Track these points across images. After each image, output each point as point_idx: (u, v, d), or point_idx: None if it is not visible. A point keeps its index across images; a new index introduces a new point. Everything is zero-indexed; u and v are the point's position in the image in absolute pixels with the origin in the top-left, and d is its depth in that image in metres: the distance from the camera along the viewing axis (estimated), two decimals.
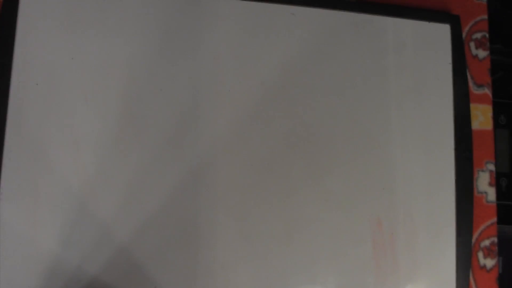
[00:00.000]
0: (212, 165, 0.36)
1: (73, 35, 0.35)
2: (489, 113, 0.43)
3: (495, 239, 0.41)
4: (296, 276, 0.36)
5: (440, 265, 0.38)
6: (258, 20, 0.38)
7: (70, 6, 0.36)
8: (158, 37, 0.37)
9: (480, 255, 0.41)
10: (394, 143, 0.39)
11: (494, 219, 0.41)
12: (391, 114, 0.40)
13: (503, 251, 0.44)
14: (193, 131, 0.36)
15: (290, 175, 0.37)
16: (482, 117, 0.43)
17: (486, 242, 0.41)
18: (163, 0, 0.37)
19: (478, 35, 0.44)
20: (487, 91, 0.43)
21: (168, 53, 0.37)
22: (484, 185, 0.42)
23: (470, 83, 0.43)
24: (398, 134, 0.39)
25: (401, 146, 0.39)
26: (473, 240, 0.40)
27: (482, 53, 0.43)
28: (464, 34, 0.43)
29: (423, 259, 0.38)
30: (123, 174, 0.35)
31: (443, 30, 0.42)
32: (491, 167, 0.42)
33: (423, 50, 0.41)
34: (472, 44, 0.43)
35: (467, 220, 0.40)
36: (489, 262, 0.41)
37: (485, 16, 0.44)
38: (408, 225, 0.38)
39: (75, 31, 0.35)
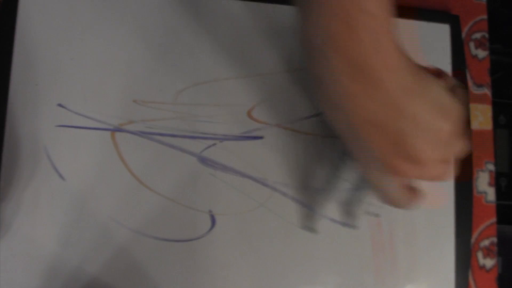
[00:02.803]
0: (211, 164, 0.36)
1: (72, 35, 0.35)
2: (489, 113, 0.43)
3: (495, 239, 0.41)
4: (296, 276, 0.36)
5: (439, 265, 0.38)
6: (258, 20, 0.38)
7: (69, 6, 0.36)
8: (158, 37, 0.37)
9: (480, 255, 0.41)
10: None
11: (494, 219, 0.41)
12: None
13: (502, 251, 0.43)
14: (193, 131, 0.36)
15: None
16: (481, 117, 0.43)
17: (486, 242, 0.41)
18: (163, 0, 0.37)
19: (477, 35, 0.44)
20: (487, 91, 0.43)
21: (168, 53, 0.37)
22: (484, 185, 0.42)
23: (470, 83, 0.43)
24: None
25: None
26: (473, 240, 0.40)
27: (482, 53, 0.43)
28: (463, 34, 0.43)
29: (422, 259, 0.38)
30: (123, 174, 0.35)
31: (443, 30, 0.42)
32: (491, 167, 0.42)
33: (423, 50, 0.41)
34: (471, 44, 0.43)
35: (467, 220, 0.40)
36: (489, 262, 0.41)
37: (485, 16, 0.44)
38: (407, 225, 0.38)
39: (75, 31, 0.36)
